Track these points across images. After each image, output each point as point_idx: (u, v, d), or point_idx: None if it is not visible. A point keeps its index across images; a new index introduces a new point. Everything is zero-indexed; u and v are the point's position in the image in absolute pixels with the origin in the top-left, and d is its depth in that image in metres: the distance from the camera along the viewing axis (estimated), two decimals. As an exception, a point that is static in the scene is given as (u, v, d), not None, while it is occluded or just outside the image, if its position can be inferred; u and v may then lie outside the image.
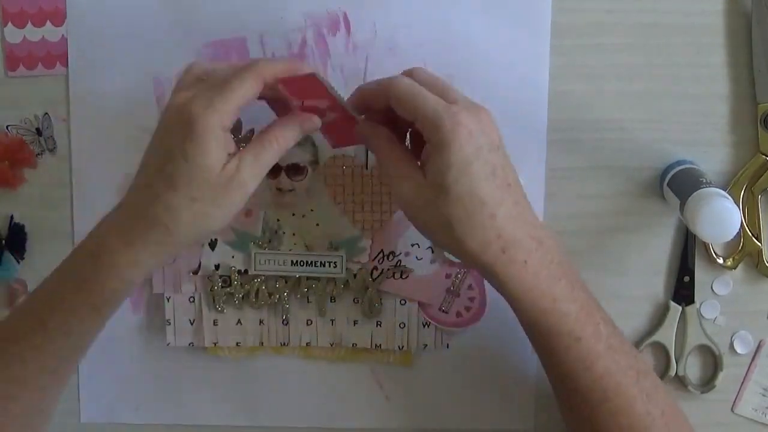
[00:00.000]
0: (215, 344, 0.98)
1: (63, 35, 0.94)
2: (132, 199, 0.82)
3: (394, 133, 0.84)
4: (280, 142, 0.82)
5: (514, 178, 0.80)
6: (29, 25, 0.94)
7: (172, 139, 0.79)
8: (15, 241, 0.98)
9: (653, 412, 0.82)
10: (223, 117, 0.78)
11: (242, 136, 0.93)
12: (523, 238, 0.79)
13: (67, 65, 0.95)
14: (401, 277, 0.96)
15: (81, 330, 0.83)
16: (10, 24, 0.94)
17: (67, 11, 0.94)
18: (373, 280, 0.96)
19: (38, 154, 0.97)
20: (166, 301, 0.97)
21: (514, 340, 0.97)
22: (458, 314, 0.97)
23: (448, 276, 0.96)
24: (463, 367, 0.98)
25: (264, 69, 0.80)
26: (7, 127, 0.96)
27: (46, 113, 0.96)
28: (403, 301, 0.97)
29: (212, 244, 0.96)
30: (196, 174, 0.78)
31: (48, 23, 0.94)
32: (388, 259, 0.96)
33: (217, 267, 0.97)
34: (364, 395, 1.00)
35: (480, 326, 0.97)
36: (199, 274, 0.97)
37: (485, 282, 0.96)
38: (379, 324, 0.98)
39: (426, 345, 0.98)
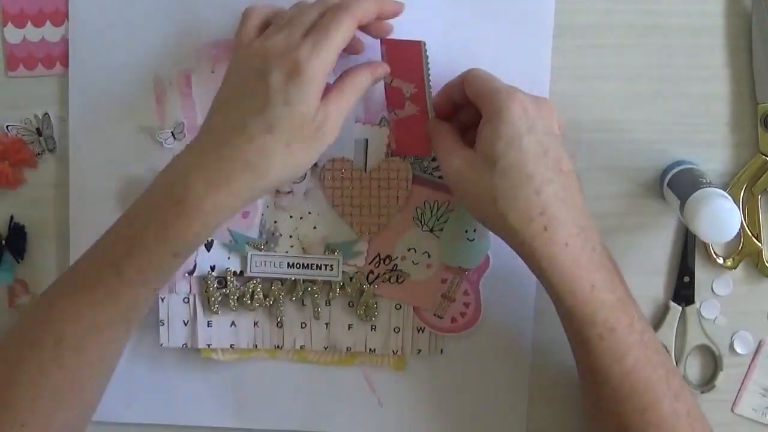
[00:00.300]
0: (209, 346, 0.97)
1: (63, 35, 0.95)
2: (218, 138, 0.81)
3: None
4: (357, 91, 0.85)
5: (569, 168, 0.81)
6: (29, 25, 0.95)
7: (272, 83, 0.79)
8: (15, 241, 0.98)
9: (680, 412, 0.82)
10: (327, 64, 0.80)
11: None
12: (567, 221, 0.79)
13: (67, 65, 0.95)
14: (397, 281, 0.96)
15: (157, 277, 0.83)
16: (10, 24, 0.95)
17: (69, 11, 0.94)
18: (369, 284, 0.96)
19: (38, 154, 0.97)
20: (160, 301, 0.97)
21: (508, 347, 0.97)
22: (453, 320, 0.96)
23: (443, 281, 0.96)
24: (457, 373, 0.98)
25: (358, 10, 0.82)
26: (7, 127, 0.96)
27: (46, 113, 0.96)
28: (398, 306, 0.97)
29: (208, 245, 0.96)
30: (296, 119, 0.80)
31: (48, 23, 0.94)
32: (384, 263, 0.96)
33: (212, 268, 0.96)
34: (356, 400, 0.99)
35: (474, 332, 0.97)
36: (194, 274, 0.96)
37: (480, 288, 0.96)
38: (373, 328, 0.97)
39: (420, 350, 0.97)
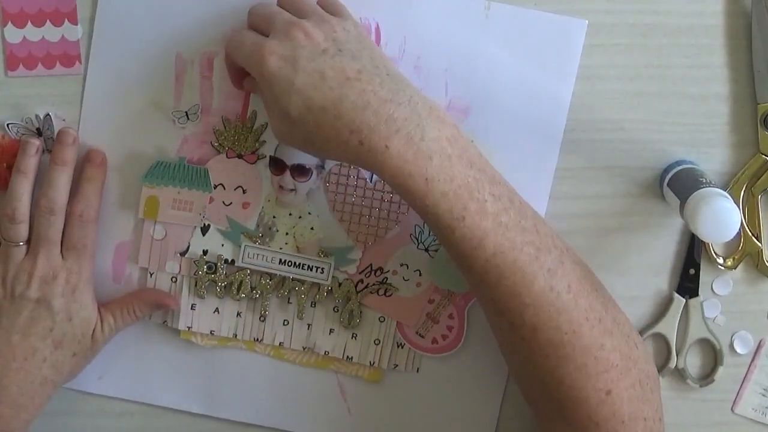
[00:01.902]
0: (189, 328, 0.98)
1: (63, 35, 0.94)
2: (10, 366, 0.90)
3: None
4: (138, 314, 0.96)
5: (356, 69, 0.80)
6: (29, 25, 0.93)
7: (53, 304, 0.92)
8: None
9: (557, 288, 0.81)
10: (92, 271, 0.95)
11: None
12: (378, 123, 0.78)
13: (66, 65, 0.94)
14: (385, 294, 0.96)
15: None
16: (10, 24, 0.93)
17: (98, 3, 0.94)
18: (357, 292, 0.96)
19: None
20: (148, 275, 0.97)
21: (483, 376, 0.98)
22: (434, 341, 0.97)
23: (431, 301, 0.96)
24: (430, 394, 0.98)
25: (96, 214, 0.95)
26: (7, 125, 0.94)
27: (48, 114, 0.95)
28: (382, 318, 0.97)
29: (204, 229, 0.96)
30: (78, 329, 0.93)
31: (48, 23, 0.93)
32: (375, 274, 0.96)
33: (205, 252, 0.96)
34: (327, 404, 0.99)
35: (453, 356, 0.97)
36: (186, 255, 0.96)
37: (466, 314, 0.96)
38: (354, 336, 0.97)
39: (397, 365, 0.98)
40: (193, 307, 0.97)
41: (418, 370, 0.98)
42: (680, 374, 0.98)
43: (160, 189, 0.95)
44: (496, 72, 0.93)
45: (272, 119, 0.84)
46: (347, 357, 0.98)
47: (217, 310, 0.97)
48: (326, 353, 0.98)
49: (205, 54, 0.94)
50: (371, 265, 0.96)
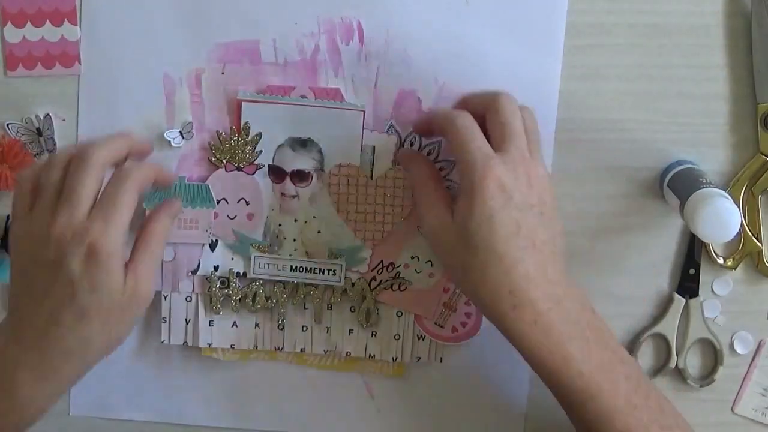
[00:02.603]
0: (209, 345, 0.98)
1: (62, 35, 0.94)
2: (35, 332, 0.82)
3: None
4: (162, 238, 0.88)
5: (543, 240, 0.81)
6: (28, 24, 0.93)
7: (72, 271, 0.80)
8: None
9: None
10: (121, 236, 0.81)
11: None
12: (538, 299, 0.80)
13: (66, 65, 0.94)
14: (399, 288, 0.96)
15: None
16: (9, 24, 0.94)
17: (82, 10, 0.94)
18: (371, 290, 0.96)
19: (36, 155, 0.96)
20: (163, 298, 0.97)
21: (508, 359, 0.96)
22: (454, 329, 0.97)
23: (446, 290, 0.96)
24: (456, 382, 0.98)
25: (139, 178, 0.84)
26: (7, 125, 0.95)
27: (48, 114, 0.95)
28: (399, 313, 0.97)
29: (212, 245, 0.96)
30: (105, 300, 0.81)
31: (47, 23, 0.93)
32: (387, 270, 0.96)
33: (216, 268, 0.96)
34: (355, 405, 0.99)
35: (475, 342, 0.97)
36: (197, 274, 0.97)
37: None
38: (374, 334, 0.97)
39: (420, 358, 0.98)
40: (211, 324, 0.97)
41: (441, 360, 0.98)
42: (680, 374, 0.98)
43: (164, 211, 0.95)
44: (485, 55, 0.93)
45: (433, 216, 0.84)
46: (369, 355, 0.98)
47: (234, 324, 0.98)
48: (348, 354, 0.98)
49: (192, 71, 0.94)
50: (382, 261, 0.96)
